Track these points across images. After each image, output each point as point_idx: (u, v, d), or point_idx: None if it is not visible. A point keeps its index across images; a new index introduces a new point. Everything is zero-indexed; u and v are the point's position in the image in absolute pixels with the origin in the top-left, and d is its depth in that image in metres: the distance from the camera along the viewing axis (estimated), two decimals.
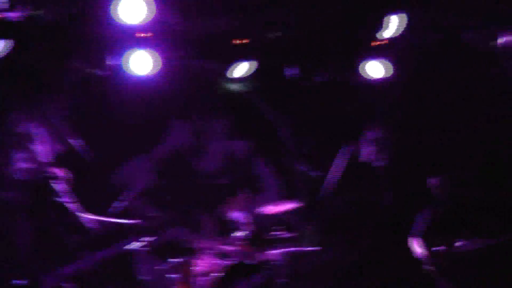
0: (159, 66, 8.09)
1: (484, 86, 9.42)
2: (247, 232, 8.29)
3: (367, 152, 9.22)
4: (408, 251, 8.09)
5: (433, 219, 8.02)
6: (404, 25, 8.35)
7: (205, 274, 7.94)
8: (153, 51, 8.02)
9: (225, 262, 7.99)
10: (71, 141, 8.64)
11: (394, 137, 9.38)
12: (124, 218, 8.19)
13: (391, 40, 8.69)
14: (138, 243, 7.94)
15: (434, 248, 7.78)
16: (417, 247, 7.91)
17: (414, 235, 7.98)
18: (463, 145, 9.50)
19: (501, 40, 8.33)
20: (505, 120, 9.33)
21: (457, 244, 7.77)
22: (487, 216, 8.15)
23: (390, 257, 8.91)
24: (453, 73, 9.73)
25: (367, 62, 8.89)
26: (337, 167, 8.84)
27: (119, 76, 8.25)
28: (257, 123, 10.23)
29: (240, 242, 8.09)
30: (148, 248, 7.96)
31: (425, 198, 8.29)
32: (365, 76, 8.94)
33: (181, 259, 8.02)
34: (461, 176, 8.43)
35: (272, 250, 8.28)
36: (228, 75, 8.90)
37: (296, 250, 8.39)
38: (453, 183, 8.24)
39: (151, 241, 7.99)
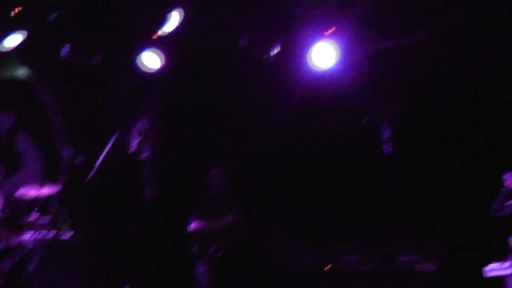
0: None
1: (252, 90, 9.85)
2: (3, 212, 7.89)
3: (134, 142, 9.20)
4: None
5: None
6: (181, 21, 8.51)
7: None
8: None
9: None
10: None
11: (161, 129, 9.44)
12: None
13: (170, 34, 8.83)
14: None
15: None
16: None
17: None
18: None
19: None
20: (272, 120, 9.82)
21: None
22: None
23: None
24: (224, 75, 10.07)
25: (144, 53, 8.91)
26: (105, 156, 8.70)
27: None
28: (25, 99, 9.84)
29: None
30: None
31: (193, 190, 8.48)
32: (142, 67, 8.96)
33: None
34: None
35: (24, 234, 7.97)
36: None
37: (49, 235, 8.13)
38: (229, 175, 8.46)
39: None
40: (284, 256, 8.84)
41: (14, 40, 8.71)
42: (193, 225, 8.16)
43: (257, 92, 9.96)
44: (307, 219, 9.19)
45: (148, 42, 8.93)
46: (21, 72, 9.85)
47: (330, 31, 8.49)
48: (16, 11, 8.42)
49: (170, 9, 8.59)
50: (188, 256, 8.34)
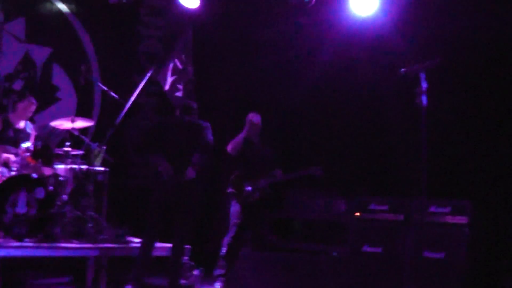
0: None
1: None
2: (33, 143, 7.95)
3: (168, 80, 9.21)
4: None
5: None
6: None
7: None
8: None
9: (9, 171, 7.64)
10: None
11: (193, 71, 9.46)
12: None
13: None
14: None
15: None
16: None
17: None
18: None
19: None
20: None
21: None
22: None
23: None
24: (261, 18, 10.00)
25: None
26: (139, 92, 8.73)
27: None
28: (61, 33, 9.87)
29: (26, 153, 7.72)
30: None
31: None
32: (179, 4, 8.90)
33: None
34: None
35: (57, 166, 8.07)
36: None
37: (82, 168, 8.22)
38: None
39: None
40: (311, 204, 8.88)
41: None
42: (230, 146, 8.19)
43: (294, 38, 9.89)
44: (339, 169, 9.18)
45: None
46: (60, 6, 9.86)
47: None
48: None
49: None
50: (223, 193, 8.43)
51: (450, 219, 7.39)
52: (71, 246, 7.49)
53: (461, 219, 7.33)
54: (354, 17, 8.55)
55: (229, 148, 8.22)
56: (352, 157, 9.35)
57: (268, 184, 8.20)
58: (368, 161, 9.16)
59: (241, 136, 8.18)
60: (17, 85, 9.51)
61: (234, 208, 8.13)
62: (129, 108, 8.53)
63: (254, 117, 8.29)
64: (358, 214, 7.92)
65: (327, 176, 8.38)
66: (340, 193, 8.76)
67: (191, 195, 7.40)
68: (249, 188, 8.11)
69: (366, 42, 8.82)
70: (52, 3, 9.80)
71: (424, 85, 5.84)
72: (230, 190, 8.17)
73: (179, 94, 9.16)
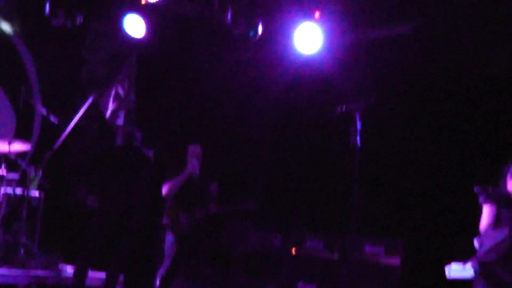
0: None
1: None
2: None
3: (110, 107, 9.17)
4: None
5: None
6: None
7: None
8: None
9: None
10: None
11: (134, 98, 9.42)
12: None
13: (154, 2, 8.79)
14: None
15: None
16: None
17: None
18: None
19: None
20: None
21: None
22: None
23: None
24: (205, 49, 10.06)
25: (128, 17, 8.82)
26: (79, 118, 8.66)
27: None
28: (3, 53, 9.74)
29: None
30: None
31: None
32: (124, 32, 8.88)
33: None
34: None
35: None
36: None
37: (16, 192, 8.09)
38: None
39: None
40: (248, 238, 8.90)
41: None
42: (164, 189, 8.12)
43: (237, 71, 9.98)
44: (275, 205, 9.23)
45: (132, 6, 8.81)
46: (3, 27, 9.74)
47: (316, 14, 8.45)
48: None
49: None
50: (158, 225, 8.34)
51: (383, 260, 7.50)
52: (0, 272, 7.33)
53: (395, 260, 7.45)
54: (298, 54, 8.66)
55: (165, 191, 8.12)
56: (289, 192, 9.43)
57: (203, 216, 8.17)
58: (304, 197, 9.26)
59: (178, 180, 8.06)
60: None
61: (169, 239, 8.08)
62: (69, 132, 8.45)
63: (194, 150, 8.26)
64: (293, 250, 7.99)
65: (263, 210, 8.41)
66: (276, 228, 8.81)
67: (131, 224, 7.34)
68: (184, 219, 8.08)
69: (308, 79, 8.96)
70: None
71: (358, 124, 5.96)
72: (165, 221, 8.12)
73: (120, 121, 9.12)
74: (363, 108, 5.86)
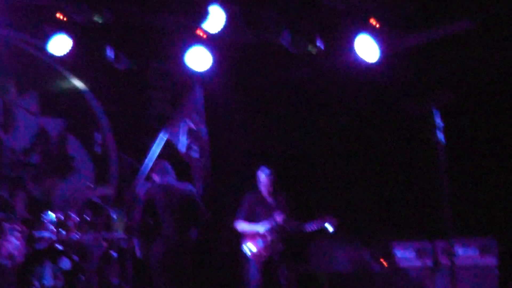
0: None
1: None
2: (59, 215, 7.99)
3: (184, 142, 9.27)
4: None
5: None
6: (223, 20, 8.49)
7: (10, 256, 7.58)
8: None
9: (35, 246, 7.66)
10: None
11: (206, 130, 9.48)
12: None
13: (215, 33, 8.88)
14: None
15: None
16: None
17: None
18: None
19: None
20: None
21: None
22: None
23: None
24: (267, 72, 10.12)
25: (191, 51, 8.93)
26: (152, 155, 8.77)
27: None
28: (74, 105, 9.99)
29: (52, 226, 7.77)
30: None
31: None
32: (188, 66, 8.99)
33: None
34: None
35: (83, 234, 8.09)
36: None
37: (105, 236, 8.23)
38: None
39: None
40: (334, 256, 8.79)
41: (60, 46, 8.77)
42: (238, 227, 8.06)
43: (301, 88, 9.99)
44: (358, 217, 9.11)
45: (193, 40, 8.93)
46: (75, 82, 10.03)
47: (372, 23, 8.41)
48: (59, 16, 8.48)
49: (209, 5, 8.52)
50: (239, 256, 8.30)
51: (479, 260, 7.31)
52: None
53: (490, 260, 7.25)
54: (361, 63, 8.61)
55: (238, 227, 8.11)
56: (370, 202, 9.31)
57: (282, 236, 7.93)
58: (387, 204, 9.13)
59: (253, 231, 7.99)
60: (34, 159, 9.58)
61: (253, 270, 7.92)
62: (147, 172, 8.58)
63: (263, 172, 8.21)
64: (384, 262, 7.84)
65: (346, 225, 8.29)
66: (363, 241, 8.68)
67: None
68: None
69: (377, 86, 8.90)
70: (66, 79, 9.94)
71: (439, 121, 5.85)
72: (249, 254, 7.95)
73: (195, 154, 9.20)
74: (442, 105, 5.77)
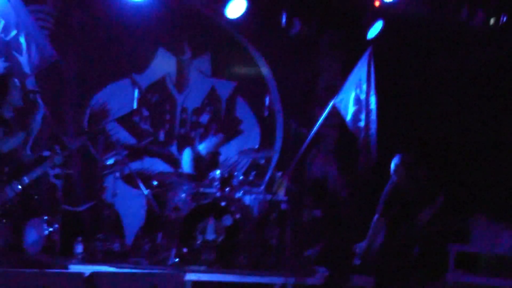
0: None
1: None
2: (224, 173, 8.26)
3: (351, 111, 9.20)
4: None
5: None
6: None
7: (175, 209, 7.95)
8: None
9: (200, 201, 7.99)
10: None
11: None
12: None
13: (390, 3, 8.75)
14: None
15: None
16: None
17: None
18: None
19: None
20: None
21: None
22: None
23: None
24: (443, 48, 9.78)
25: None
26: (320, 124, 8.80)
27: None
28: (242, 64, 10.19)
29: (216, 183, 8.05)
30: None
31: None
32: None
33: None
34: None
35: (245, 193, 8.30)
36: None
37: (266, 197, 8.39)
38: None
39: None
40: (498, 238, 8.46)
41: (236, 9, 8.99)
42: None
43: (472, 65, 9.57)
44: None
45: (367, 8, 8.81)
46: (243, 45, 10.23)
47: None
48: None
49: None
50: None
51: None
52: (257, 273, 7.66)
53: None
54: None
55: None
56: None
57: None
58: None
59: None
60: (204, 119, 9.92)
61: None
62: (311, 139, 8.64)
63: (398, 160, 7.52)
64: None
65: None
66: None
67: None
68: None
69: None
70: (239, 43, 10.15)
71: None
72: None
73: (361, 124, 9.08)
74: None
